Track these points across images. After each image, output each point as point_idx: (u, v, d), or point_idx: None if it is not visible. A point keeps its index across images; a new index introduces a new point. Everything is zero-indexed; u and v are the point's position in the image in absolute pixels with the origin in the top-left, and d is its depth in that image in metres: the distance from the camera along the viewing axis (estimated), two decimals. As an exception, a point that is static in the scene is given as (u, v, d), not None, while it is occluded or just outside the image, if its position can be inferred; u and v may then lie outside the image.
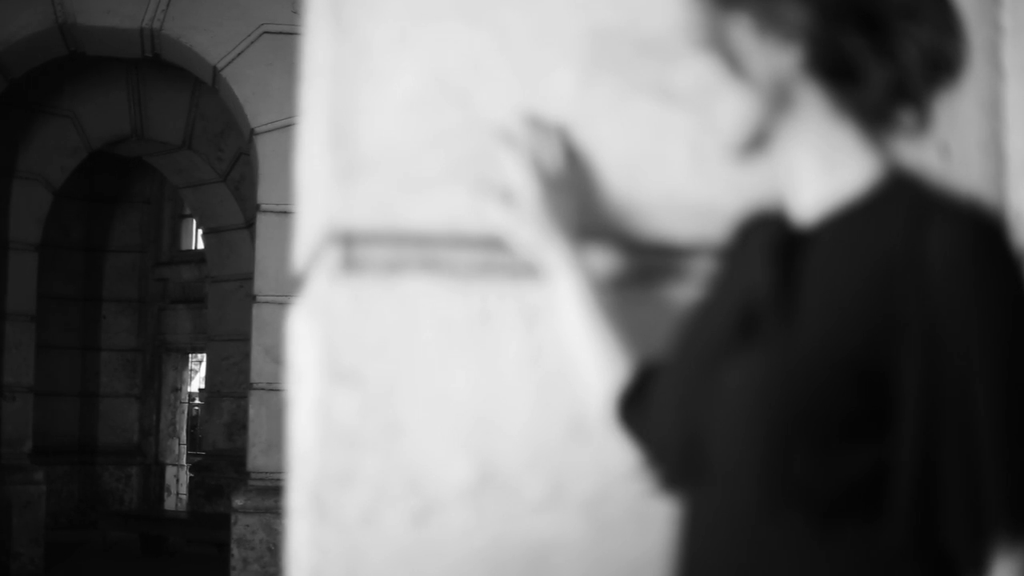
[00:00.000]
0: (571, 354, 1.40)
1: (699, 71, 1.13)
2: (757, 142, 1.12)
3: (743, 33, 1.10)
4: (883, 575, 1.01)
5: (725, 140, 1.13)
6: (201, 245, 11.59)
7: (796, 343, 1.04)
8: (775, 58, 1.09)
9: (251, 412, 6.79)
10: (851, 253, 1.06)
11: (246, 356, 7.25)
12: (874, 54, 1.07)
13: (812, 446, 1.01)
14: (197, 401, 14.05)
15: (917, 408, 1.00)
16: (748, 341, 1.08)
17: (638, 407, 1.27)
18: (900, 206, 1.05)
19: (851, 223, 1.08)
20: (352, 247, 1.46)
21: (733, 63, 1.10)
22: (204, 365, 11.68)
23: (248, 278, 7.38)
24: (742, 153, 1.13)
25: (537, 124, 1.44)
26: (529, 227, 1.38)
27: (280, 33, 6.63)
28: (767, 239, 1.14)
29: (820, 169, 1.11)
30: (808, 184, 1.12)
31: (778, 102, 1.11)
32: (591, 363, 1.35)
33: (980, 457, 0.98)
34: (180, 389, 12.72)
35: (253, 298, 6.85)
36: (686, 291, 1.45)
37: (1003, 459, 0.98)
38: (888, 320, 1.01)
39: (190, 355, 12.90)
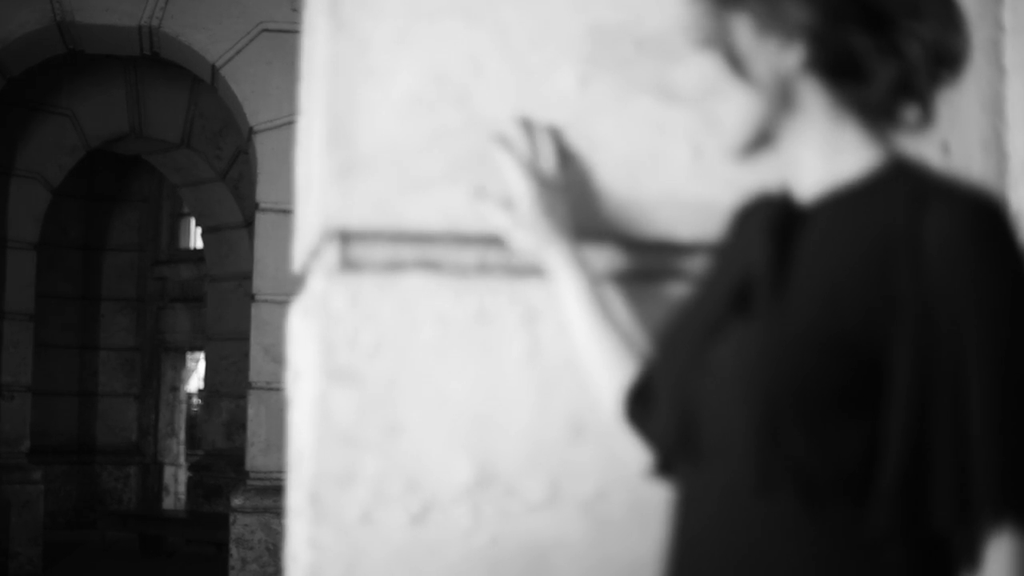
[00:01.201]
0: (577, 353, 1.40)
1: (701, 70, 1.13)
2: (761, 141, 1.12)
3: (745, 33, 1.09)
4: (872, 557, 1.00)
5: (729, 140, 1.13)
6: (200, 244, 11.58)
7: (790, 318, 1.04)
8: (777, 57, 1.09)
9: (250, 412, 6.78)
10: (848, 231, 1.06)
11: (245, 355, 7.25)
12: (879, 52, 1.07)
13: (804, 423, 1.01)
14: (196, 400, 14.05)
15: (909, 387, 0.99)
16: (742, 316, 1.08)
17: (645, 403, 1.27)
18: (899, 187, 1.05)
19: (849, 202, 1.08)
20: (350, 246, 1.46)
21: (736, 63, 1.10)
22: (203, 364, 11.67)
23: (247, 277, 7.37)
24: (746, 152, 1.13)
25: (531, 126, 1.44)
26: (528, 230, 1.38)
27: (279, 31, 6.62)
28: (766, 216, 1.14)
29: (823, 164, 1.11)
30: (810, 175, 1.12)
31: (781, 101, 1.10)
32: (598, 362, 1.34)
33: (971, 438, 0.98)
34: (179, 388, 12.71)
35: (252, 297, 6.85)
36: (687, 289, 1.44)
37: (994, 440, 0.97)
38: (883, 298, 1.01)
39: (188, 354, 12.89)
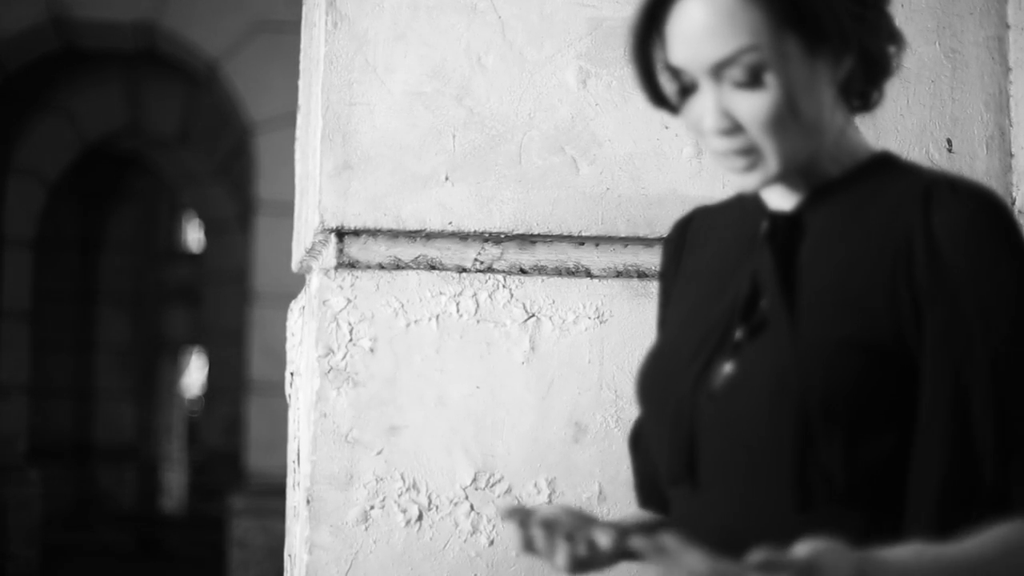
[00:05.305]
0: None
1: (757, 104, 1.02)
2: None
3: (796, 57, 1.01)
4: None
5: (772, 172, 1.03)
6: (198, 242, 11.58)
7: (809, 327, 1.02)
8: (829, 81, 1.03)
9: (249, 412, 6.76)
10: (857, 232, 1.03)
11: (243, 354, 7.24)
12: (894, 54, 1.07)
13: (840, 433, 0.99)
14: (194, 400, 14.04)
15: (936, 389, 0.98)
16: (750, 332, 1.05)
17: (636, 442, 1.20)
18: (902, 184, 1.03)
19: (847, 201, 1.05)
20: (348, 244, 1.44)
21: (792, 97, 1.01)
22: (201, 363, 11.66)
23: (245, 275, 7.36)
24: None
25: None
26: None
27: (278, 26, 6.60)
28: (762, 226, 1.09)
29: (813, 166, 1.07)
30: (797, 177, 1.08)
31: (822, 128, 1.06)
32: None
33: (1005, 434, 0.97)
34: (176, 388, 12.69)
35: (250, 296, 6.84)
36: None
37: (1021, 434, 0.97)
38: (905, 297, 1.00)
39: (187, 353, 12.88)
